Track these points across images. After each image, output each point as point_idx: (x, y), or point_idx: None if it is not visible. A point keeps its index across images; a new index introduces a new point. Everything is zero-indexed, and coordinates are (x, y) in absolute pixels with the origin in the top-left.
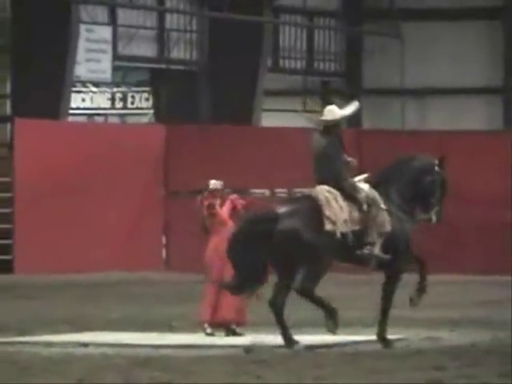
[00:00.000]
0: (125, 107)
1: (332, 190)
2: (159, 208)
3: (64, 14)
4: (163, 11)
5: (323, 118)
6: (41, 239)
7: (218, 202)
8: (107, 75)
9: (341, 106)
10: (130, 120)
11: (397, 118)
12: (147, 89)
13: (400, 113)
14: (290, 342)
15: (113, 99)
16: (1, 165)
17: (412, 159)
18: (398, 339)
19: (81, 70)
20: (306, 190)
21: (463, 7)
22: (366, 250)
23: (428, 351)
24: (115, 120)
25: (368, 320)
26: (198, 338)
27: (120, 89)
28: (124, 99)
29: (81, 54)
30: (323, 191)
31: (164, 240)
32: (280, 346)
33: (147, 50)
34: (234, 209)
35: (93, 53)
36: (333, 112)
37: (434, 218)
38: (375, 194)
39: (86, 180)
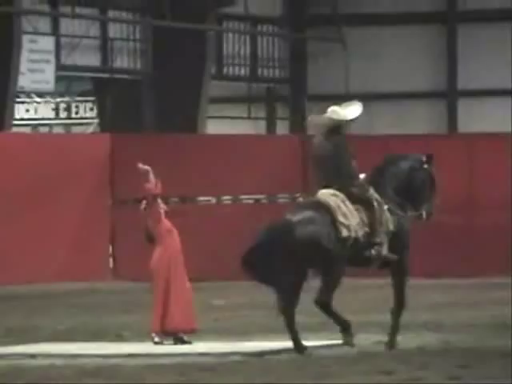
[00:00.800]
0: (69, 117)
1: (337, 193)
2: (105, 217)
3: (6, 25)
4: (106, 20)
5: (329, 117)
6: None
7: (162, 209)
8: (51, 85)
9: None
10: (75, 130)
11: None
12: (91, 98)
13: None
14: (299, 347)
15: (57, 109)
16: None
17: (401, 158)
18: (346, 343)
19: (24, 80)
20: (311, 197)
21: (407, 12)
22: (374, 251)
23: (377, 355)
24: (60, 130)
25: (313, 325)
26: (147, 347)
27: (64, 99)
28: (68, 109)
29: (24, 65)
30: (329, 196)
31: (111, 249)
32: (229, 353)
33: (91, 59)
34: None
35: (36, 63)
36: (337, 112)
37: (424, 215)
38: (375, 193)
39: (32, 190)
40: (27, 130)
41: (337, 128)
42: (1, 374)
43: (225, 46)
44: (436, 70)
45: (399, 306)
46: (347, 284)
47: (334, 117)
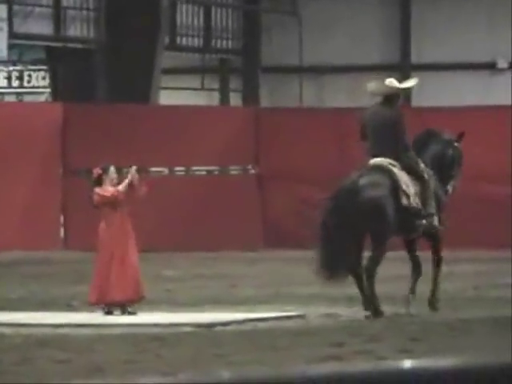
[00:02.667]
0: (21, 86)
1: (393, 162)
2: (57, 187)
3: None
4: None
5: (389, 86)
6: None
7: (113, 180)
8: (3, 53)
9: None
10: (27, 99)
11: (295, 96)
12: (44, 67)
13: (298, 90)
14: (376, 312)
15: (9, 78)
16: None
17: (436, 134)
18: (297, 316)
19: None
20: (371, 162)
21: None
22: (425, 222)
23: (327, 328)
24: (12, 99)
25: (263, 297)
26: (97, 317)
27: (16, 67)
28: (20, 78)
29: None
30: (387, 164)
31: (62, 219)
32: (180, 324)
33: (43, 27)
34: (131, 186)
35: None
36: (394, 83)
37: (450, 190)
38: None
39: None
40: None
41: (394, 98)
42: None
43: (178, 16)
44: (389, 43)
45: (438, 269)
46: (299, 256)
47: (392, 85)
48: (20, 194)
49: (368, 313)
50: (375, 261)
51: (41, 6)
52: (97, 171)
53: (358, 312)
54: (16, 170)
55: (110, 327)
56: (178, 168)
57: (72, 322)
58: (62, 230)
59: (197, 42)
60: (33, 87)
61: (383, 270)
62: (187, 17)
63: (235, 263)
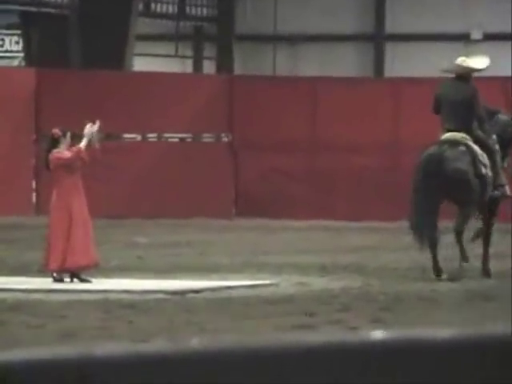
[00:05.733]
0: None
1: (466, 136)
2: (29, 152)
3: None
4: None
5: (465, 65)
6: None
7: (69, 145)
8: None
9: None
10: (0, 63)
11: (269, 65)
12: (18, 32)
13: (272, 59)
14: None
15: None
16: None
17: (497, 112)
18: (270, 284)
19: None
20: (448, 136)
21: None
22: (498, 192)
23: (299, 297)
24: None
25: (235, 265)
26: (69, 283)
27: None
28: None
29: None
30: (461, 137)
31: (34, 184)
32: (153, 291)
33: None
34: (78, 153)
35: None
36: (467, 63)
37: (506, 165)
38: None
39: None
40: None
41: (468, 75)
42: None
43: None
44: (364, 13)
45: (488, 238)
46: (271, 225)
47: (470, 65)
48: None
49: (441, 277)
50: (465, 220)
51: None
52: (56, 133)
53: (330, 281)
54: None
55: (83, 293)
56: (150, 135)
57: (44, 288)
58: (34, 196)
59: (171, 8)
60: (6, 51)
61: (351, 242)
62: None
63: (207, 231)
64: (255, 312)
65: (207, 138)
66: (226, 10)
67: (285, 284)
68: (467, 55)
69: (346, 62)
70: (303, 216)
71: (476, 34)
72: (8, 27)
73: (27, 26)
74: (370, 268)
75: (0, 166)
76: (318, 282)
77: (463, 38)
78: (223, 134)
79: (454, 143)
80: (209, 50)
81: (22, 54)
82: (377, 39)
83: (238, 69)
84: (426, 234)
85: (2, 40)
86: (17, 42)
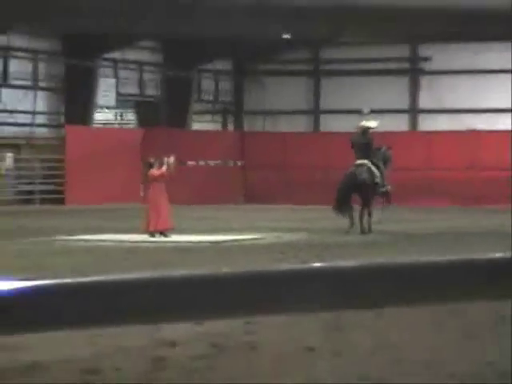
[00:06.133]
0: (122, 120)
1: (367, 161)
2: (138, 174)
3: None
4: None
5: (365, 124)
6: None
7: (156, 165)
8: (112, 103)
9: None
10: (125, 127)
11: (260, 125)
12: (132, 110)
13: (262, 123)
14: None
15: (116, 115)
16: None
17: (381, 147)
18: (260, 238)
19: None
20: (358, 162)
21: None
22: (383, 189)
23: (276, 244)
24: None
25: (241, 228)
26: (159, 237)
27: (119, 110)
28: (121, 115)
29: None
30: (365, 162)
31: (142, 189)
32: (198, 242)
33: (132, 89)
34: (168, 170)
35: None
36: (366, 124)
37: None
38: None
39: None
40: None
41: (366, 130)
42: None
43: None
44: None
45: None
46: (261, 207)
47: (367, 125)
48: None
49: (348, 230)
50: (366, 205)
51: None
52: (151, 161)
53: (293, 236)
54: None
55: (174, 243)
56: (201, 162)
57: (148, 240)
58: (141, 192)
59: (211, 97)
60: (128, 120)
61: (305, 215)
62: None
63: (227, 210)
64: (252, 253)
65: (230, 163)
66: (238, 99)
67: (268, 237)
68: (366, 120)
69: None
70: (279, 202)
71: (365, 109)
72: (129, 108)
73: (138, 107)
74: (314, 229)
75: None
76: (286, 236)
77: (356, 112)
78: (238, 161)
79: (362, 165)
80: (230, 118)
81: (135, 122)
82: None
83: (245, 128)
84: (346, 209)
85: (126, 114)
86: (133, 116)
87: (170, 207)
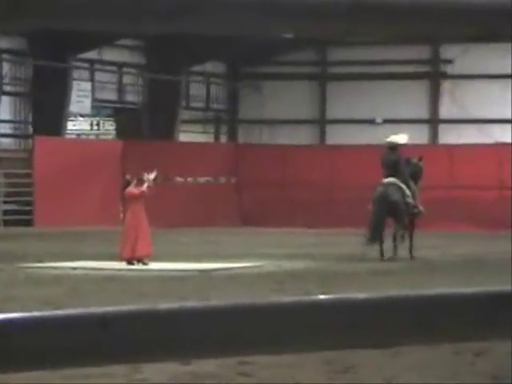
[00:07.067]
0: (98, 129)
1: (396, 180)
2: (118, 190)
3: None
4: None
5: (393, 140)
6: None
7: (133, 183)
8: (88, 110)
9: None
10: (102, 137)
11: (257, 137)
12: (111, 118)
13: (259, 133)
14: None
15: (91, 124)
16: None
17: (410, 158)
18: (257, 266)
19: None
20: (386, 180)
21: None
22: (416, 210)
23: (275, 272)
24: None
25: (240, 255)
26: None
27: (96, 118)
28: (98, 124)
29: None
30: (395, 181)
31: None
32: (187, 270)
33: (111, 96)
34: (148, 188)
35: None
36: (394, 139)
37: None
38: None
39: None
40: None
41: (394, 146)
42: None
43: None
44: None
45: (411, 236)
46: (258, 231)
47: (393, 140)
48: None
49: (386, 258)
50: (398, 228)
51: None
52: (128, 179)
53: (296, 264)
54: None
55: (157, 271)
56: (189, 178)
57: (123, 268)
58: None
59: (201, 104)
60: (105, 130)
61: (307, 240)
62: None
63: (223, 234)
64: (247, 282)
65: (222, 179)
66: (232, 107)
67: (267, 265)
68: (388, 135)
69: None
70: (278, 225)
71: (378, 119)
72: (106, 116)
73: (117, 115)
74: (318, 255)
75: (104, 199)
76: (286, 264)
77: (368, 122)
78: (232, 178)
79: (392, 184)
80: (223, 129)
81: (114, 132)
82: None
83: (240, 139)
84: (378, 234)
85: (103, 123)
86: (111, 125)
87: (149, 231)
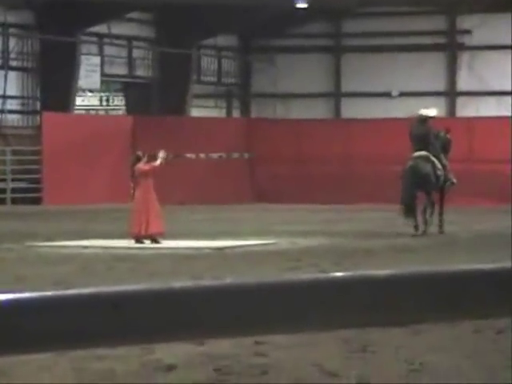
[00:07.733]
0: (108, 105)
1: (427, 153)
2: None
3: None
4: None
5: (424, 113)
6: None
7: (144, 160)
8: (97, 85)
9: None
10: (111, 113)
11: (271, 111)
12: (121, 94)
13: (273, 108)
14: None
15: (101, 100)
16: None
17: (440, 132)
18: (272, 243)
19: None
20: (417, 154)
21: None
22: (448, 183)
23: (290, 250)
24: (102, 113)
25: (253, 231)
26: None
27: (105, 94)
28: (107, 100)
29: None
30: (425, 154)
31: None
32: (202, 248)
33: (121, 70)
34: (153, 167)
35: None
36: (425, 112)
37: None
38: None
39: None
40: None
41: (425, 120)
42: None
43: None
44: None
45: (441, 209)
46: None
47: (424, 114)
48: None
49: (416, 233)
50: (429, 201)
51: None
52: (139, 154)
53: (311, 241)
54: None
55: (169, 249)
56: (201, 154)
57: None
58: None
59: (213, 78)
60: (115, 106)
61: (320, 216)
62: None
63: (236, 211)
64: (261, 260)
65: (235, 155)
66: (245, 81)
67: (282, 242)
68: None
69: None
70: (293, 201)
71: (394, 92)
72: (116, 91)
73: (127, 90)
74: (334, 232)
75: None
76: (301, 241)
77: (384, 95)
78: (245, 153)
79: (422, 157)
80: (235, 103)
81: (124, 107)
82: None
83: (253, 114)
84: (411, 209)
85: (113, 98)
86: (121, 100)
87: (160, 208)
